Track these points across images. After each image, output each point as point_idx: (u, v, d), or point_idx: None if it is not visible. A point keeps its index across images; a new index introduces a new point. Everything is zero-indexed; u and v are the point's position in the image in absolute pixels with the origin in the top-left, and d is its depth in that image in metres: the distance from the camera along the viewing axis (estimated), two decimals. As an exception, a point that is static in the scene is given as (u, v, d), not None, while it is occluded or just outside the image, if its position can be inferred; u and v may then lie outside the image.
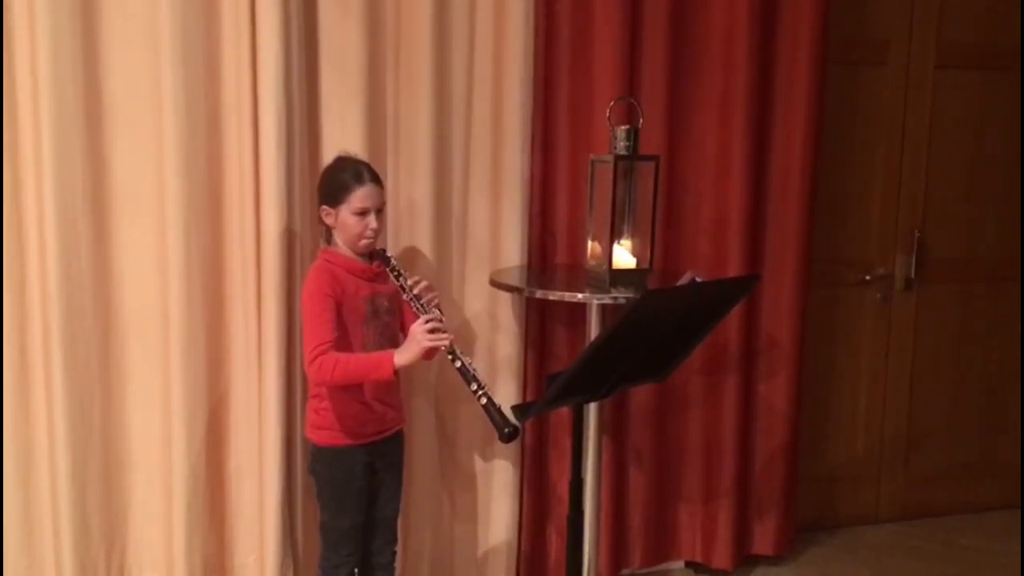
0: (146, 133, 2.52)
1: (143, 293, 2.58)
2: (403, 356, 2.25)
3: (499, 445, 2.92)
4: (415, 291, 2.34)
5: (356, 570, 2.49)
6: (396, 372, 2.28)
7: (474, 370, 2.23)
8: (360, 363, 2.28)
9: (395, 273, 2.37)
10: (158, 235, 2.55)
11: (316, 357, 2.25)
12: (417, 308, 2.32)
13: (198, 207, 2.55)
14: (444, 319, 2.31)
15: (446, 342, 2.23)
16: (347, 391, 2.36)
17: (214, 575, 2.71)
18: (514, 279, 2.72)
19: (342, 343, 2.29)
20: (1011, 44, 3.64)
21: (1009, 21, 3.62)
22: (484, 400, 2.19)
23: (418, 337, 2.23)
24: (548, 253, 2.96)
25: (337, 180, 2.36)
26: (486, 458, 2.96)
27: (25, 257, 2.51)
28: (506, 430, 2.15)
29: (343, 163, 2.39)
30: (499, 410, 2.18)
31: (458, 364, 2.23)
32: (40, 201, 2.47)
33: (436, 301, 2.39)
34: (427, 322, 2.25)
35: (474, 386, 2.20)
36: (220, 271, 2.62)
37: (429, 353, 2.34)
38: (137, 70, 2.50)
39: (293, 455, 2.67)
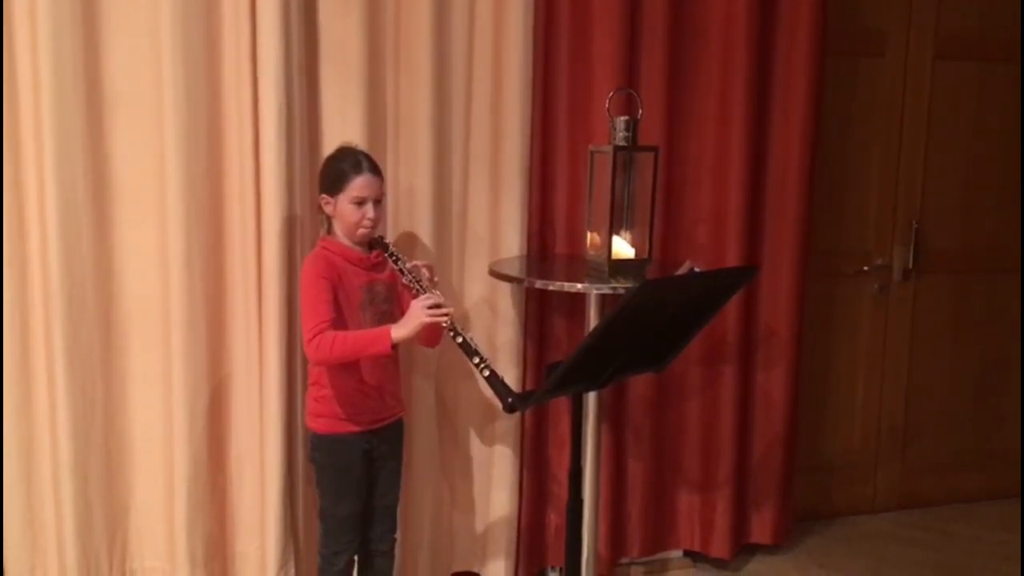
0: (147, 124, 2.53)
1: (144, 283, 2.60)
2: (401, 330, 2.26)
3: (499, 432, 2.95)
4: (414, 273, 2.35)
5: (355, 557, 2.51)
6: (395, 347, 2.29)
7: (475, 344, 2.25)
8: (358, 338, 2.30)
9: (393, 258, 2.38)
10: (159, 226, 2.56)
11: (314, 336, 2.26)
12: (417, 290, 2.33)
13: (199, 197, 2.55)
14: (444, 298, 2.32)
15: (445, 318, 2.24)
16: (348, 374, 2.37)
17: (215, 564, 2.72)
18: (514, 269, 2.73)
19: (339, 327, 2.30)
20: (1009, 35, 3.65)
21: (1007, 12, 3.62)
22: (487, 372, 2.20)
23: (416, 312, 2.24)
24: (547, 243, 2.97)
25: (336, 169, 2.37)
26: (486, 446, 2.97)
27: (26, 249, 2.52)
28: (509, 400, 2.18)
29: (343, 153, 2.41)
30: (502, 381, 2.21)
31: (459, 340, 2.25)
32: (41, 192, 2.47)
33: (436, 280, 2.41)
34: (427, 298, 2.26)
35: (476, 359, 2.22)
36: (221, 261, 2.63)
37: (432, 338, 2.35)
38: (138, 62, 2.51)
39: (294, 443, 2.69)
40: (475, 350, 2.23)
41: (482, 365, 2.21)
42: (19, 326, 2.54)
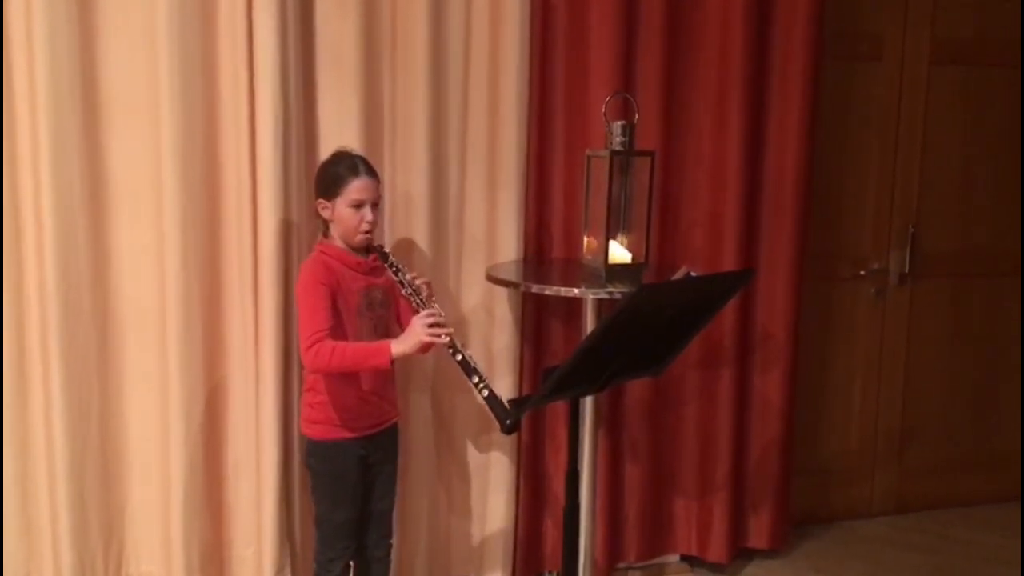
0: (143, 127, 2.53)
1: (140, 286, 2.59)
2: (401, 347, 2.26)
3: (495, 438, 2.94)
4: (413, 287, 2.35)
5: (351, 564, 2.51)
6: (392, 362, 2.28)
7: (475, 363, 2.24)
8: (357, 351, 2.29)
9: (393, 269, 2.37)
10: (155, 229, 2.56)
11: (313, 344, 2.25)
12: (416, 303, 2.32)
13: (195, 201, 2.55)
14: (443, 314, 2.32)
15: (446, 339, 2.24)
16: (345, 382, 2.36)
17: (211, 568, 2.72)
18: (510, 274, 2.73)
19: (336, 333, 2.30)
20: (1006, 39, 3.65)
21: (1004, 16, 3.63)
22: (486, 392, 2.20)
23: (417, 329, 2.24)
24: (544, 247, 2.97)
25: (333, 173, 2.37)
26: (482, 451, 2.97)
27: (23, 251, 2.52)
28: (508, 421, 2.17)
29: (339, 157, 2.40)
30: (501, 402, 2.20)
31: (459, 358, 2.24)
32: (37, 195, 2.47)
33: (433, 297, 2.40)
34: (428, 316, 2.26)
35: (475, 378, 2.21)
36: (217, 264, 2.63)
37: (425, 347, 2.35)
38: (134, 65, 2.51)
39: (290, 448, 2.68)
40: (474, 368, 2.23)
41: (481, 385, 2.21)
42: (15, 328, 2.53)
